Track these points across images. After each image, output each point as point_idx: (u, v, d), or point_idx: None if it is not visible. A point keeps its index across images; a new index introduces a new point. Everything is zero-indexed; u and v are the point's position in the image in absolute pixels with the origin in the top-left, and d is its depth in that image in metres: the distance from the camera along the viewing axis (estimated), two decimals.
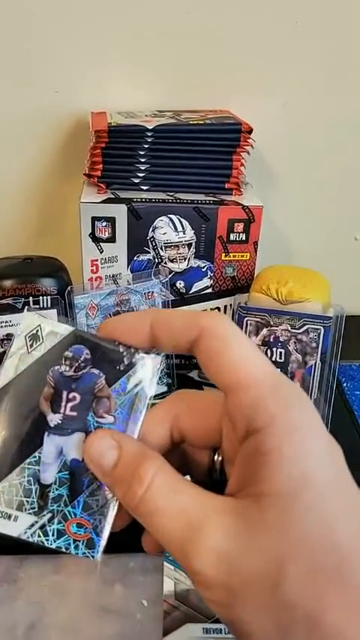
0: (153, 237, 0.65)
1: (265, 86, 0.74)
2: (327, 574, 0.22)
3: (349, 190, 0.82)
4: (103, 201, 0.63)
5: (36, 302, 0.61)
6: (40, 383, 0.29)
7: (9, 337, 0.59)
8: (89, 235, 0.64)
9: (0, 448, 0.28)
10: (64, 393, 0.29)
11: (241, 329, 0.62)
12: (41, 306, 0.61)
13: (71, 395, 0.29)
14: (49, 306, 0.61)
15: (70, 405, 0.29)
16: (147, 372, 0.29)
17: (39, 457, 0.28)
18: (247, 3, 0.69)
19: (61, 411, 0.29)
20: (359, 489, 0.25)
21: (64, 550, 0.28)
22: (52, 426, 0.28)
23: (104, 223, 0.63)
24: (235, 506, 0.24)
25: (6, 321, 0.59)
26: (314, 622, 0.22)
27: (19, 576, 0.48)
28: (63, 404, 0.29)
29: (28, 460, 0.28)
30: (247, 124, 0.64)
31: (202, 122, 0.65)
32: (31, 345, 0.29)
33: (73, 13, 0.69)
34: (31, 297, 0.62)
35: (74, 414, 0.29)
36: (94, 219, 0.63)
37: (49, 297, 0.62)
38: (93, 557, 0.28)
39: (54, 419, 0.28)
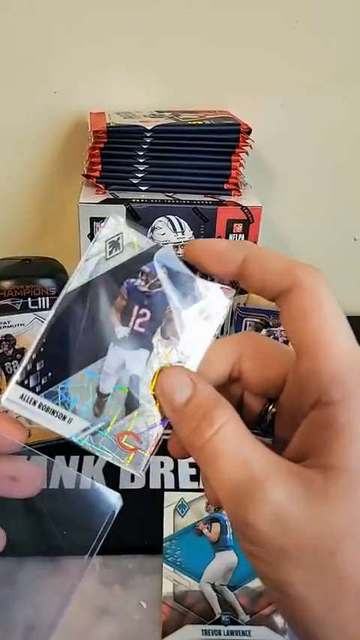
0: (152, 237, 0.64)
1: (264, 86, 0.74)
2: None
3: (348, 191, 0.82)
4: (102, 202, 0.63)
5: (34, 303, 0.61)
6: (113, 292, 0.28)
7: (8, 338, 0.59)
8: (88, 236, 0.63)
9: (65, 350, 0.28)
10: (136, 308, 0.28)
11: (241, 329, 0.62)
12: (40, 306, 0.61)
13: (142, 311, 0.28)
14: (47, 307, 0.61)
15: (139, 320, 0.28)
16: (220, 304, 0.29)
17: (101, 366, 0.28)
18: (247, 3, 0.69)
19: (130, 325, 0.28)
20: None
21: (110, 459, 0.28)
22: (118, 337, 0.28)
23: (103, 224, 0.63)
24: (301, 472, 0.24)
25: (5, 322, 0.59)
26: None
27: (17, 578, 0.48)
28: (133, 318, 0.28)
29: (90, 367, 0.28)
30: (246, 125, 0.64)
31: (201, 122, 0.64)
32: (110, 252, 0.28)
33: (71, 12, 0.69)
34: (29, 298, 0.62)
35: (142, 330, 0.28)
36: (92, 219, 0.63)
37: (47, 298, 0.62)
38: (138, 472, 0.28)
39: (122, 331, 0.28)
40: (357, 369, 0.25)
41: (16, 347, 0.59)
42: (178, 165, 0.65)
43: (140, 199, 0.63)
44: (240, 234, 0.65)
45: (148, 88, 0.73)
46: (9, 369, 0.59)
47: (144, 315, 0.28)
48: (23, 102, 0.73)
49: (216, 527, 0.52)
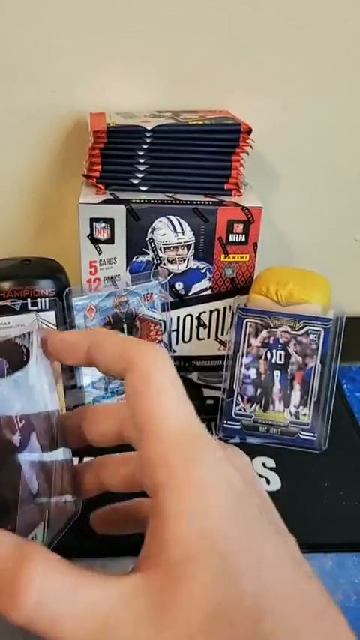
0: (152, 238, 0.64)
1: (264, 86, 0.74)
2: None
3: (349, 191, 0.81)
4: (102, 202, 0.63)
5: (34, 304, 0.61)
6: None
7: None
8: (88, 236, 0.63)
9: None
10: None
11: (241, 331, 0.62)
12: (39, 307, 0.61)
13: None
14: (47, 307, 0.61)
15: None
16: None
17: None
18: (247, 3, 0.69)
19: None
20: (276, 535, 0.24)
21: None
22: None
23: (103, 224, 0.63)
24: (143, 586, 0.23)
25: (4, 323, 0.59)
26: None
27: None
28: None
29: None
30: (246, 125, 0.64)
31: (202, 122, 0.64)
32: None
33: (71, 12, 0.68)
34: (29, 299, 0.62)
35: None
36: (92, 220, 0.63)
37: (47, 299, 0.61)
38: None
39: None
40: (182, 446, 0.25)
41: None
42: (179, 165, 0.65)
43: (140, 200, 0.63)
44: (240, 235, 0.65)
45: (148, 88, 0.73)
46: None
47: None
48: (22, 102, 0.73)
49: None
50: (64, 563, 0.24)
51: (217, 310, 0.69)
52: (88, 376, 0.63)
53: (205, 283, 0.68)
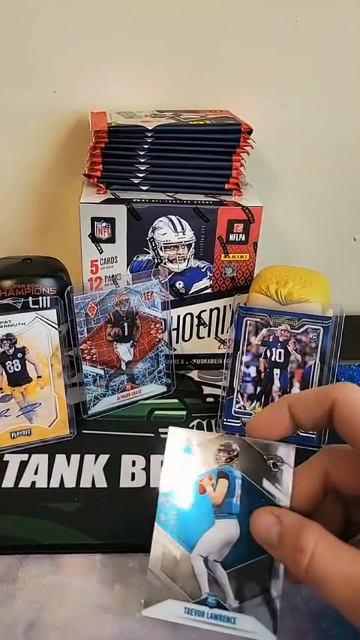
0: (153, 237, 0.65)
1: (264, 86, 0.74)
2: None
3: (348, 191, 0.82)
4: (103, 202, 0.63)
5: (35, 302, 0.62)
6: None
7: (9, 337, 0.59)
8: (89, 236, 0.64)
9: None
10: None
11: (241, 329, 0.62)
12: (41, 306, 0.62)
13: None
14: (48, 306, 0.61)
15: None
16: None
17: None
18: (247, 3, 0.69)
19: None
20: None
21: None
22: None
23: (104, 224, 0.63)
24: None
25: (5, 321, 0.59)
26: None
27: (18, 576, 0.48)
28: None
29: None
30: (247, 125, 0.64)
31: (202, 122, 0.65)
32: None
33: (71, 12, 0.69)
34: (30, 298, 0.62)
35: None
36: (93, 219, 0.63)
37: (48, 298, 0.62)
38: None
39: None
40: None
41: (17, 346, 0.60)
42: (179, 165, 0.65)
43: (141, 199, 0.63)
44: (241, 234, 0.65)
45: (148, 88, 0.73)
46: (10, 368, 0.60)
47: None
48: (23, 102, 0.73)
49: (222, 485, 0.41)
50: (333, 536, 0.30)
51: (217, 309, 0.70)
52: (89, 373, 0.63)
53: (205, 282, 0.68)
